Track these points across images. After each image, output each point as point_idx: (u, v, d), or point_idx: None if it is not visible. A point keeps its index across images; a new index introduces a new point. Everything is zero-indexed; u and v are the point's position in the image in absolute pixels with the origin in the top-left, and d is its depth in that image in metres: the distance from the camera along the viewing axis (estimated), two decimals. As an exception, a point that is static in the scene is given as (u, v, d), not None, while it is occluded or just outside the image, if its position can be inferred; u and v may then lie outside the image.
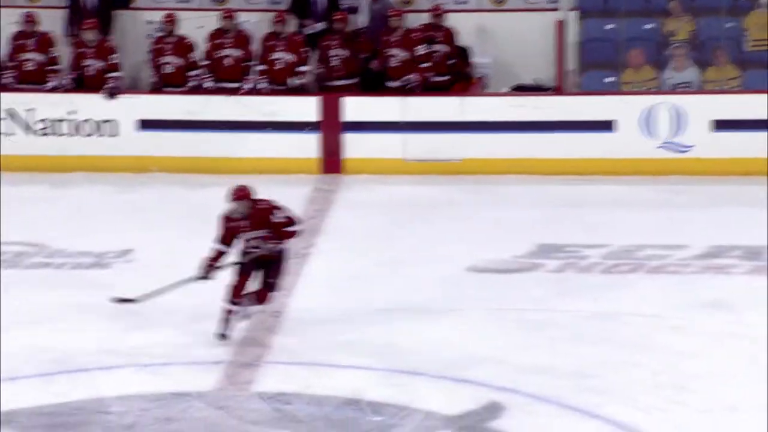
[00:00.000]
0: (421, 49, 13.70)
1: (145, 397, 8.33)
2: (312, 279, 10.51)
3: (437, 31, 13.91)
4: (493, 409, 8.15)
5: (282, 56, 13.77)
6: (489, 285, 10.38)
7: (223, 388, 8.53)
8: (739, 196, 12.37)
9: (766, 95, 13.05)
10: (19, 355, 8.91)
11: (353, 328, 9.49)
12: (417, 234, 11.61)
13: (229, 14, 13.86)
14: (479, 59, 14.09)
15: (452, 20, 13.98)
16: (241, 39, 13.87)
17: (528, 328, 9.43)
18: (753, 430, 7.90)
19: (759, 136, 12.82)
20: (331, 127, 13.38)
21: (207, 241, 11.32)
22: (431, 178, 13.13)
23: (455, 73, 13.90)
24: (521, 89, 13.92)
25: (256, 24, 14.20)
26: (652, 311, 9.12)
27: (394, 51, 13.70)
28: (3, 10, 14.16)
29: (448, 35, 13.93)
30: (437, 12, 13.93)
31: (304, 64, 13.76)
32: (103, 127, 13.54)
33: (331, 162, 13.38)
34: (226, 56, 13.81)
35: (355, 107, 13.39)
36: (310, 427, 7.91)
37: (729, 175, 12.72)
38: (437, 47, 13.83)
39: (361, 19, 14.26)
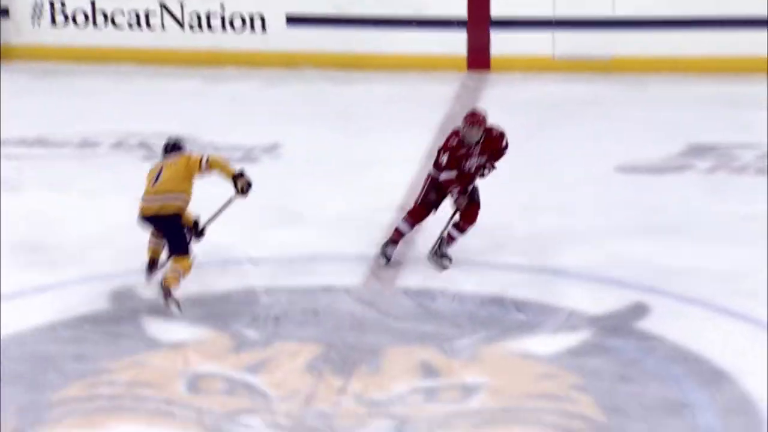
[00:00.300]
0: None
1: (292, 290, 8.45)
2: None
3: None
4: (639, 310, 8.07)
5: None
6: (638, 185, 10.24)
7: (368, 284, 8.59)
8: None
9: None
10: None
11: (499, 227, 9.45)
12: (565, 133, 11.47)
13: None
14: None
15: None
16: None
17: (677, 229, 9.29)
18: None
19: None
20: (479, 24, 13.23)
21: (352, 137, 11.44)
22: (580, 76, 12.93)
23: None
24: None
25: None
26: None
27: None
28: None
29: None
30: None
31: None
32: (252, 22, 13.59)
33: (479, 59, 13.25)
34: (375, -49, 13.70)
35: (503, 3, 13.21)
36: (454, 324, 7.94)
37: None
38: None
39: None
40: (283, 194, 10.12)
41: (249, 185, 8.43)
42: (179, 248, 8.25)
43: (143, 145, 11.36)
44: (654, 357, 7.52)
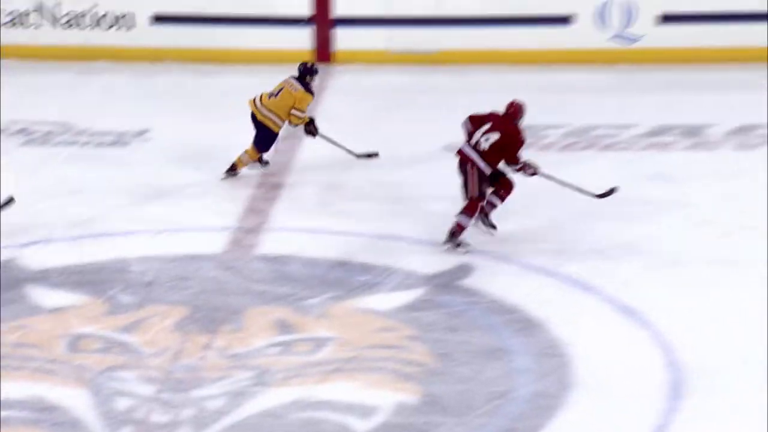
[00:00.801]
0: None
1: (162, 258, 8.32)
2: (307, 157, 10.45)
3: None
4: (464, 270, 8.16)
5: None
6: (462, 161, 10.33)
7: (230, 251, 8.52)
8: (680, 81, 12.29)
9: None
10: (52, 221, 8.88)
11: (345, 198, 9.48)
12: (400, 117, 11.51)
13: None
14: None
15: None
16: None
17: (495, 198, 9.40)
18: (693, 280, 7.96)
19: (701, 28, 12.68)
20: (322, 21, 13.18)
21: (213, 123, 11.30)
22: (413, 68, 12.97)
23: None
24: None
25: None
26: (605, 184, 9.07)
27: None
28: None
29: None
30: None
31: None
32: (121, 20, 13.31)
33: (323, 53, 13.20)
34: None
35: (344, 3, 13.17)
36: (306, 285, 7.92)
37: (672, 63, 12.61)
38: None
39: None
40: (152, 173, 9.97)
41: (311, 130, 9.89)
42: (260, 146, 9.71)
43: (23, 131, 11.06)
44: (477, 309, 7.62)
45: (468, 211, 8.49)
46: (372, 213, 9.20)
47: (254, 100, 9.79)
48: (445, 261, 8.27)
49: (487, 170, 8.47)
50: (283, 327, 7.37)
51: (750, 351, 7.06)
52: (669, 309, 7.55)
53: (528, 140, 10.61)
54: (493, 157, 8.47)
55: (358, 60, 13.13)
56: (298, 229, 8.89)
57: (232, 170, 9.74)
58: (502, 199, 8.67)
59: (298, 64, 9.87)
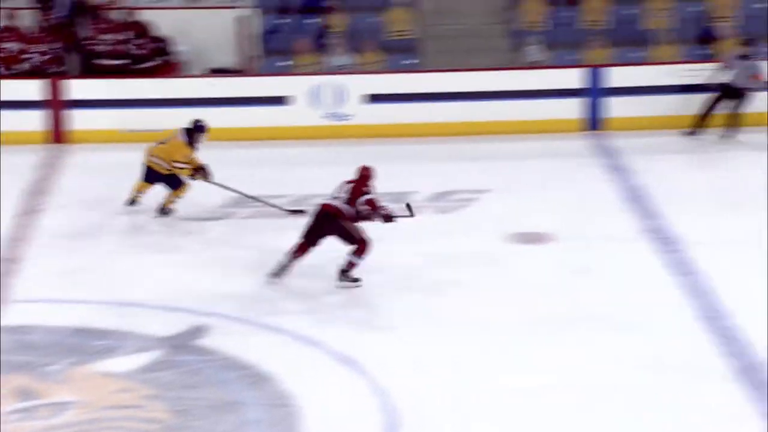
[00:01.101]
0: (125, 36, 13.48)
1: None
2: (46, 230, 10.17)
3: (138, 26, 13.68)
4: (198, 331, 8.13)
5: (11, 46, 13.22)
6: (199, 229, 10.32)
7: (-31, 325, 8.14)
8: (386, 153, 12.64)
9: (404, 74, 13.53)
10: None
11: (86, 266, 9.28)
12: (131, 190, 11.34)
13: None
14: (180, 47, 13.89)
15: (153, 15, 13.75)
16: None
17: (227, 263, 9.43)
18: (402, 332, 8.22)
19: (402, 106, 13.20)
20: (56, 104, 12.90)
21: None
22: (142, 146, 12.81)
23: (159, 58, 13.71)
24: (214, 72, 13.84)
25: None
26: (333, 245, 9.24)
27: (105, 37, 13.44)
28: None
29: (145, 28, 13.70)
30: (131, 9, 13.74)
31: (29, 53, 13.26)
32: None
33: (57, 134, 12.90)
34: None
35: (76, 88, 12.94)
36: (47, 353, 7.69)
37: (378, 137, 13.04)
38: (140, 41, 13.63)
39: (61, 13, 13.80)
40: None
41: (203, 176, 10.30)
42: (173, 185, 10.26)
43: None
44: (212, 367, 7.60)
45: (359, 253, 8.84)
46: (110, 281, 9.03)
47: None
48: (182, 323, 8.21)
49: (351, 213, 8.89)
50: (25, 393, 7.11)
51: (456, 396, 7.35)
52: (383, 359, 7.77)
53: (255, 209, 10.82)
54: (352, 202, 8.96)
55: (91, 139, 12.90)
56: (39, 300, 8.62)
57: (164, 212, 10.32)
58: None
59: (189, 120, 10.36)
